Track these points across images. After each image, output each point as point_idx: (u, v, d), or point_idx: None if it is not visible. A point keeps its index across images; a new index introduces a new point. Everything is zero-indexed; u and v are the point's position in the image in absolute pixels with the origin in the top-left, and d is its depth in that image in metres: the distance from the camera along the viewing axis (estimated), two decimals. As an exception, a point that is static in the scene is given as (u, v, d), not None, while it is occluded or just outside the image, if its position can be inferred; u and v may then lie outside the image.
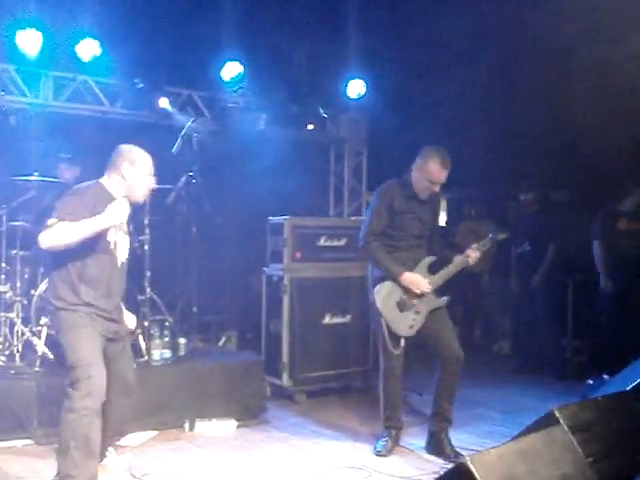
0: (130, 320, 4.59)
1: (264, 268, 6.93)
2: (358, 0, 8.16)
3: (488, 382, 7.32)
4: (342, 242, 6.94)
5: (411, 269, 5.07)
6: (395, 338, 5.04)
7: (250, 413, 5.99)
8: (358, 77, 8.57)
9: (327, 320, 6.85)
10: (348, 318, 6.94)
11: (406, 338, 5.07)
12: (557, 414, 3.63)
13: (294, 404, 6.56)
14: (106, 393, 4.03)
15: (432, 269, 5.13)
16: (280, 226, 6.75)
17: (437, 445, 5.13)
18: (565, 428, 3.57)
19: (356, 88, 8.62)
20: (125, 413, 4.46)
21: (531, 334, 8.08)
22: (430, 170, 5.02)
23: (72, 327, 4.12)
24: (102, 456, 4.37)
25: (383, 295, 5.06)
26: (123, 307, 4.50)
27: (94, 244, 4.14)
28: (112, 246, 4.26)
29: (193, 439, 5.48)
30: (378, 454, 5.14)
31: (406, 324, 5.04)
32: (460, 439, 5.31)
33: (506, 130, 8.88)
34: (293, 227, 6.72)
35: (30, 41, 6.83)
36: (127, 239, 4.45)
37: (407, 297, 5.03)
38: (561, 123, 8.27)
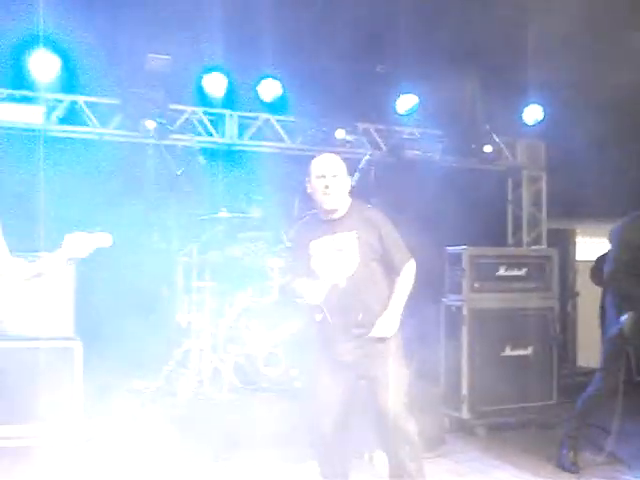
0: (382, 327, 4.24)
1: (442, 299, 6.89)
2: (532, 27, 8.03)
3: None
4: (522, 272, 6.77)
5: None
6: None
7: (428, 445, 5.90)
8: (535, 103, 8.41)
9: (507, 352, 6.68)
10: (530, 350, 6.74)
11: None
12: None
13: (473, 437, 6.42)
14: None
15: None
16: (459, 256, 6.69)
17: None
18: None
19: (533, 114, 8.46)
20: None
21: None
22: None
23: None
24: None
25: (631, 322, 4.96)
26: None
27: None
28: (319, 273, 4.13)
29: (372, 470, 5.48)
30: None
31: None
32: None
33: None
34: (472, 257, 6.65)
35: (216, 84, 7.28)
36: (348, 255, 4.15)
37: None
38: None
